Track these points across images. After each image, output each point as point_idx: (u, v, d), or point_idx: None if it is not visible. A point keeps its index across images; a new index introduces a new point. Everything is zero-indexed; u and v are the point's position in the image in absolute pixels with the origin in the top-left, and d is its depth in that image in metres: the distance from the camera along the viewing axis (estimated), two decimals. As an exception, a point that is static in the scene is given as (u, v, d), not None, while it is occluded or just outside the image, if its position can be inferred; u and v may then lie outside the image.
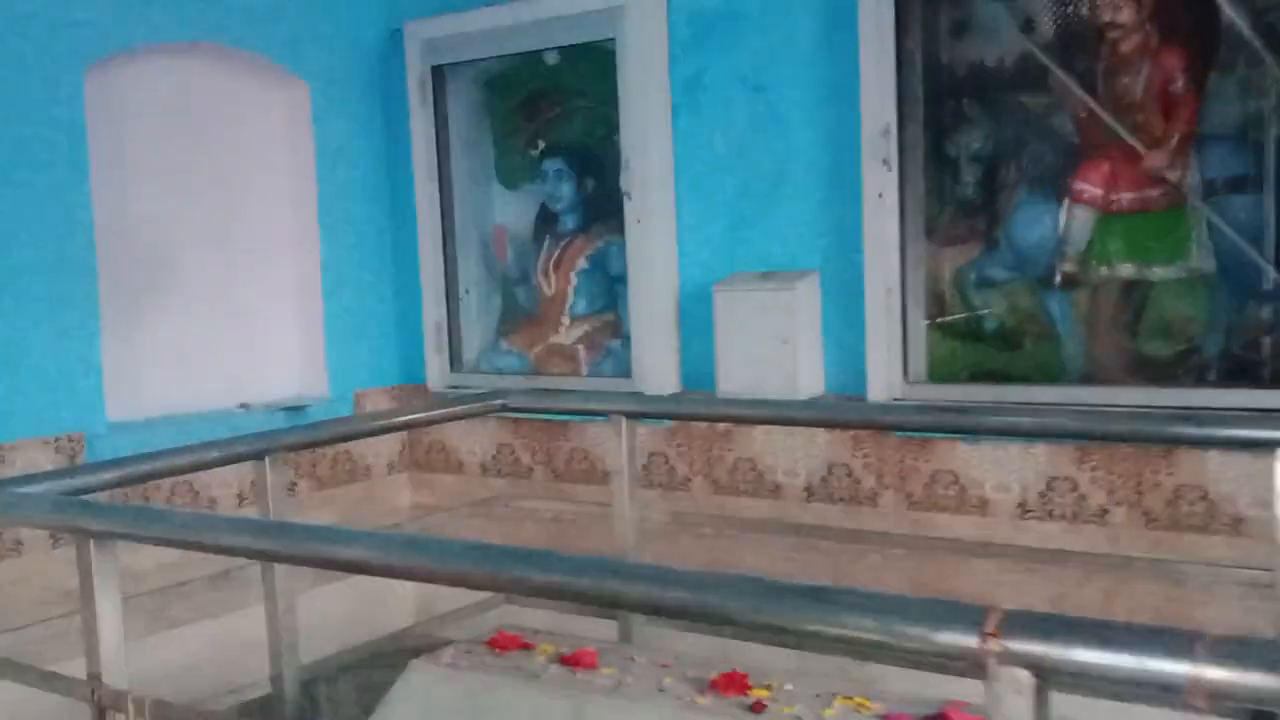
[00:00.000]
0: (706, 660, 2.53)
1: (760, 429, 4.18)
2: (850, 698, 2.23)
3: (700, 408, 3.47)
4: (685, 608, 1.37)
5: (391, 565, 1.67)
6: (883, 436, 3.96)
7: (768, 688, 2.33)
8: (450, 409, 3.19)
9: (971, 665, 1.26)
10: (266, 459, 2.76)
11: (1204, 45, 3.48)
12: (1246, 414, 2.66)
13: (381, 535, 1.91)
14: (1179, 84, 3.50)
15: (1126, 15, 3.54)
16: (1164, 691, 1.15)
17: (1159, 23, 3.52)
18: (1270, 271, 3.39)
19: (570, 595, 1.53)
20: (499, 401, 3.17)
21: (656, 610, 1.45)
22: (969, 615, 1.25)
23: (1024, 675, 1.23)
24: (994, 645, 1.23)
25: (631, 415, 3.07)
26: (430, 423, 3.91)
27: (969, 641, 1.24)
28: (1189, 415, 2.60)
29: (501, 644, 2.65)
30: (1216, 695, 1.13)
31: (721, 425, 4.24)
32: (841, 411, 3.44)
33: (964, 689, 2.37)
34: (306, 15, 4.65)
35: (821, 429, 4.05)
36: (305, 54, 4.66)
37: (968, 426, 3.09)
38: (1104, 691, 1.78)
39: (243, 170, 4.65)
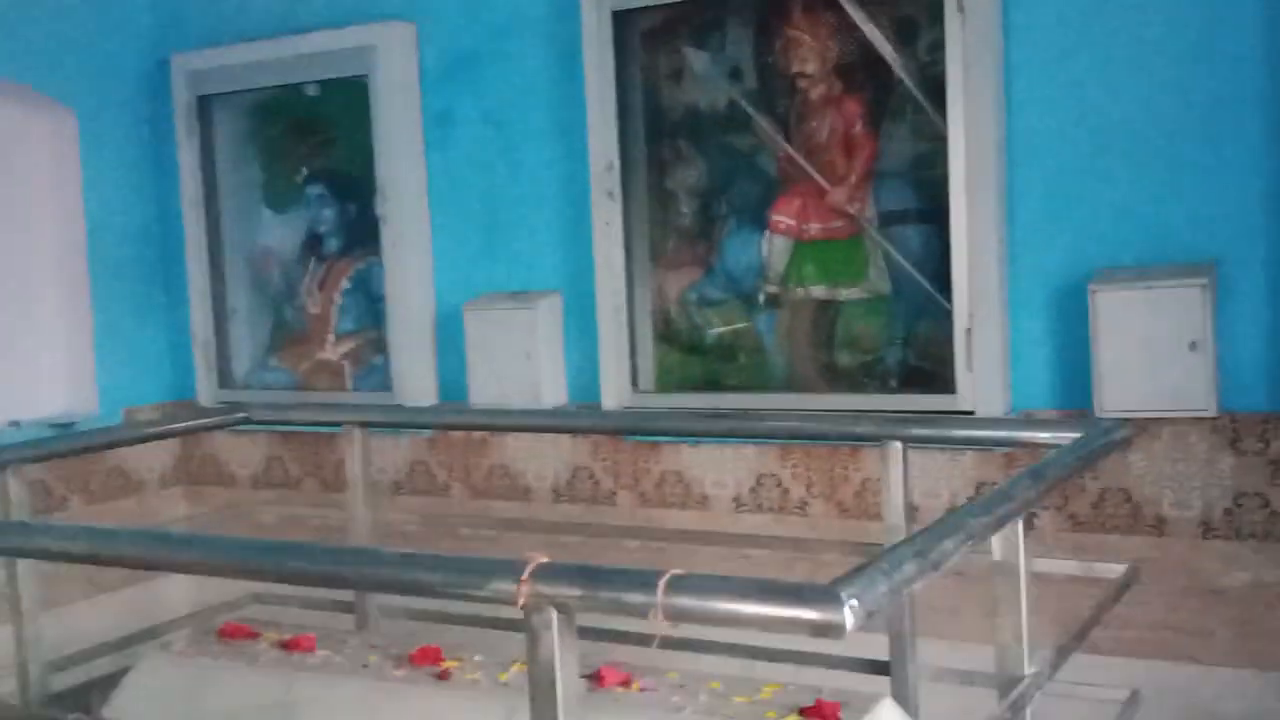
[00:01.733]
0: (413, 640, 2.86)
1: (512, 437, 4.54)
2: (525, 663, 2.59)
3: (428, 417, 3.81)
4: (304, 574, 1.70)
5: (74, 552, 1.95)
6: (619, 441, 4.36)
7: (459, 659, 2.68)
8: (188, 423, 3.45)
9: (515, 607, 1.63)
10: (9, 470, 2.97)
11: (878, 95, 3.99)
12: (873, 414, 3.14)
13: (92, 528, 2.18)
14: (858, 128, 4.00)
15: (813, 67, 4.02)
16: (639, 616, 1.54)
17: (841, 74, 4.01)
18: (935, 293, 3.90)
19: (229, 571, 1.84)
20: (241, 414, 3.43)
21: (289, 578, 1.77)
22: (511, 568, 1.62)
23: (552, 613, 1.61)
24: (527, 589, 1.60)
25: (364, 425, 3.38)
26: (167, 435, 4.14)
27: (510, 587, 1.61)
28: (822, 416, 3.07)
29: (229, 633, 2.92)
30: (672, 615, 1.52)
31: (478, 434, 4.58)
32: (556, 418, 3.81)
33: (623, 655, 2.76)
34: (73, 47, 4.82)
35: (566, 435, 4.44)
36: (72, 84, 4.82)
37: (656, 429, 3.51)
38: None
39: (9, 195, 4.78)
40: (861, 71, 3.97)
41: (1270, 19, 3.37)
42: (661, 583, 1.52)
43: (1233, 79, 3.45)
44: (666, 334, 4.32)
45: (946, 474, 3.89)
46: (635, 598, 1.54)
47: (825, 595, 1.45)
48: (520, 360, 4.35)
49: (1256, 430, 3.47)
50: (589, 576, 1.59)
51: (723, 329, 4.27)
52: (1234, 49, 3.43)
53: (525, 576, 1.60)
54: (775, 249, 4.13)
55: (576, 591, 1.58)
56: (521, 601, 1.59)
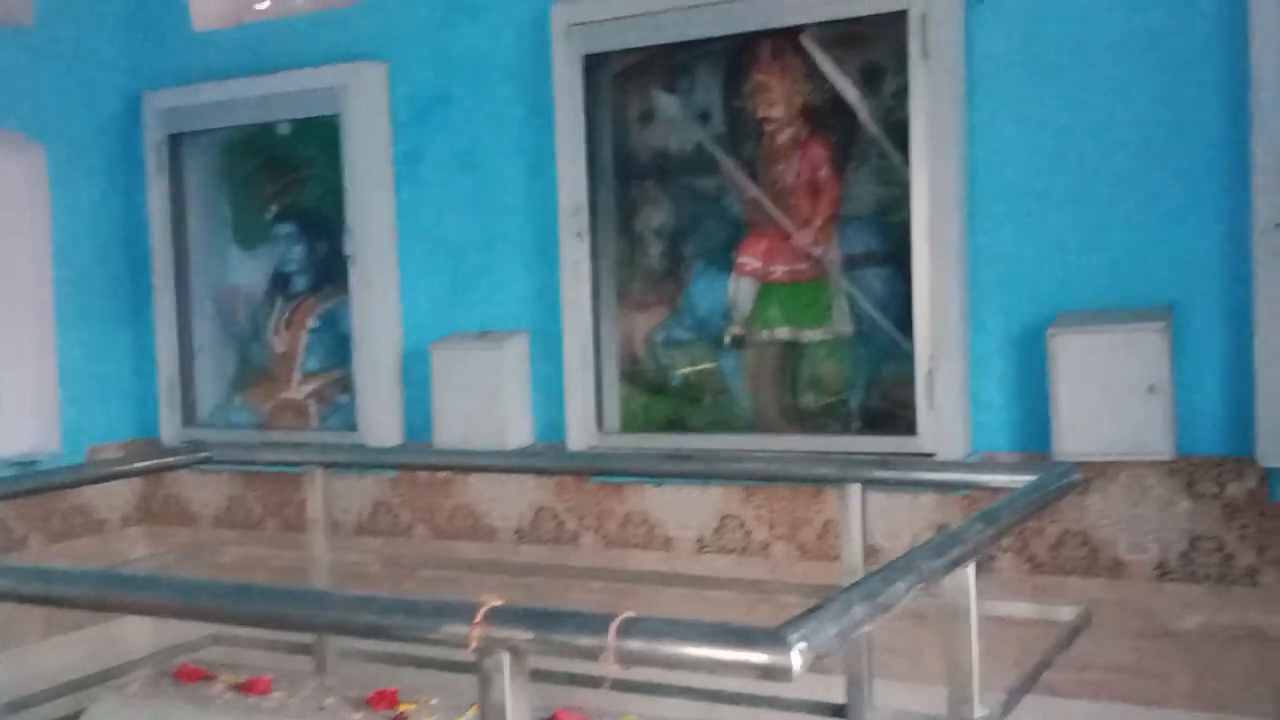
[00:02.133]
0: (371, 683, 2.84)
1: (476, 477, 4.53)
2: (482, 705, 2.58)
3: (391, 457, 3.80)
4: (253, 616, 1.70)
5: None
6: (583, 482, 4.36)
7: (415, 702, 2.67)
8: (149, 462, 3.43)
9: (468, 650, 1.63)
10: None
11: (844, 139, 4.05)
12: (834, 456, 3.16)
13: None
14: (824, 172, 4.05)
15: (779, 111, 4.08)
16: (590, 659, 1.54)
17: (807, 119, 4.07)
18: (898, 336, 3.94)
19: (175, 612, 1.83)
20: (203, 454, 3.42)
21: (238, 620, 1.76)
22: (462, 611, 1.62)
23: (504, 656, 1.61)
24: (478, 632, 1.60)
25: (327, 465, 3.38)
26: (128, 475, 4.11)
27: (461, 630, 1.61)
28: (784, 458, 3.09)
29: (185, 675, 2.90)
30: (624, 658, 1.53)
31: (441, 474, 4.57)
32: (520, 459, 3.82)
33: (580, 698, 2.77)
34: (45, 84, 4.84)
35: (530, 476, 4.44)
36: (42, 120, 4.84)
37: (618, 470, 3.52)
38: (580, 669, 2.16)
39: (-25, 230, 4.78)
40: (827, 116, 4.03)
41: (1230, 69, 3.44)
42: (613, 626, 1.53)
43: (1192, 128, 3.52)
44: (633, 375, 4.34)
45: (908, 515, 3.91)
46: (587, 641, 1.54)
47: (772, 639, 1.46)
48: (486, 400, 4.35)
49: (1213, 474, 3.52)
50: (541, 619, 1.59)
51: (688, 370, 4.30)
52: (1194, 98, 3.50)
53: (477, 620, 1.60)
54: (741, 291, 4.16)
55: (528, 635, 1.58)
56: (473, 645, 1.60)
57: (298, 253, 4.89)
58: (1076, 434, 3.48)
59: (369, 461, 4.03)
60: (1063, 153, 3.67)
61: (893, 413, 3.94)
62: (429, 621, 1.64)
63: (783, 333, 4.14)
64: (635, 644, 1.53)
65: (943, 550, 1.91)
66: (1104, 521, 3.63)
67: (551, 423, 4.39)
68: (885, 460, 3.19)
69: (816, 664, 1.50)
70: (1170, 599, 3.56)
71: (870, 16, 3.86)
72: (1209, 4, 3.47)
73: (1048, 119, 3.68)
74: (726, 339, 4.21)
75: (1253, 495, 3.47)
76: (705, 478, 3.85)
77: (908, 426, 3.81)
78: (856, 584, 1.68)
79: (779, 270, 4.11)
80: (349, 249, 4.59)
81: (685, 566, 4.20)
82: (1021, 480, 2.49)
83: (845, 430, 4.03)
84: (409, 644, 2.25)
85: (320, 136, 4.74)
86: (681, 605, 4.11)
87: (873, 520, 3.89)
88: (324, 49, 4.71)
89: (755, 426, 4.16)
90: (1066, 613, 2.62)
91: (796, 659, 1.44)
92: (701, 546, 4.21)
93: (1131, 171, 3.59)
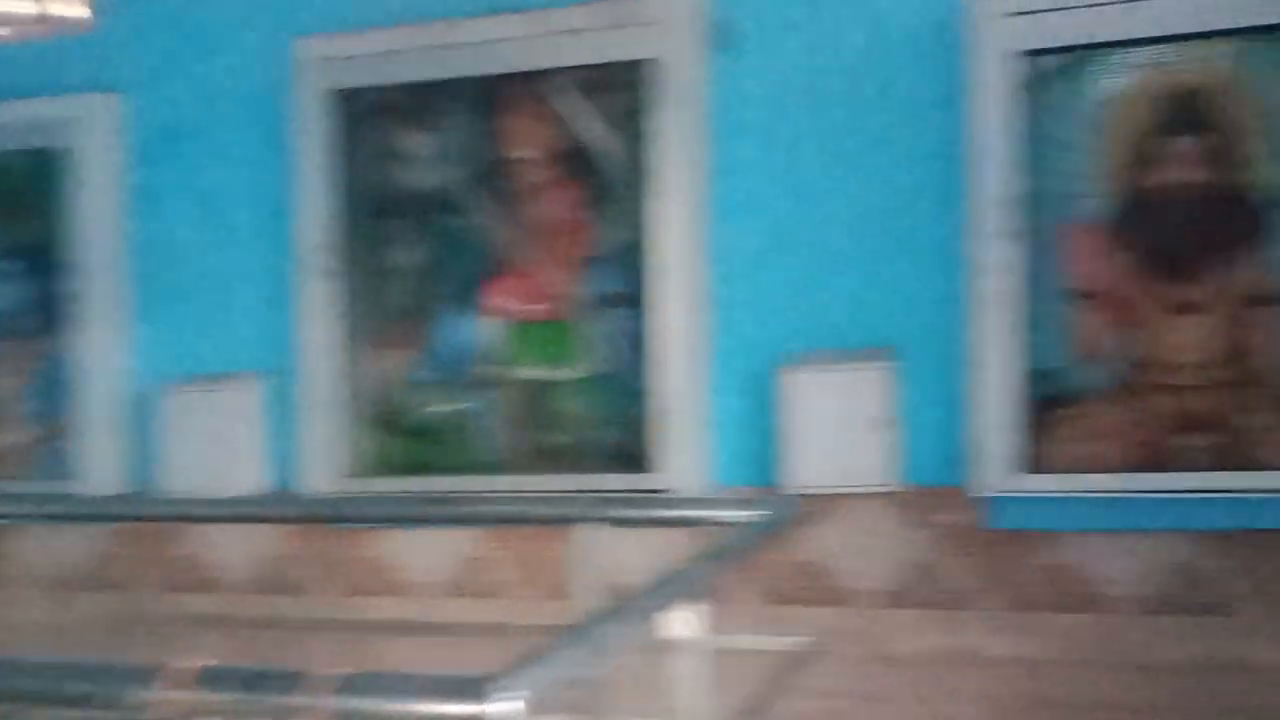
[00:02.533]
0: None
1: (206, 525, 4.31)
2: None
3: (108, 508, 3.60)
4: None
5: None
6: (321, 529, 4.23)
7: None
8: None
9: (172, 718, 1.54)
10: None
11: (593, 181, 4.10)
12: (574, 496, 3.19)
13: None
14: (573, 213, 4.09)
15: (530, 152, 4.10)
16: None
17: (558, 160, 4.10)
18: (643, 375, 4.01)
19: None
20: (-104, 508, 3.14)
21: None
22: (162, 673, 1.53)
23: (209, 720, 1.53)
24: (175, 697, 1.51)
25: (38, 517, 3.15)
26: None
27: (160, 695, 1.52)
28: (523, 498, 3.09)
29: None
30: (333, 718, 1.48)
31: (168, 523, 4.34)
32: (246, 507, 3.66)
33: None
34: None
35: (266, 524, 4.27)
36: None
37: (349, 517, 3.44)
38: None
39: None
40: (578, 159, 4.07)
41: (952, 125, 3.66)
42: (320, 683, 1.48)
43: (918, 180, 3.72)
44: (380, 416, 4.24)
45: (651, 552, 3.95)
46: (295, 700, 1.48)
47: (476, 690, 1.44)
48: (217, 445, 4.19)
49: (934, 504, 3.72)
50: (249, 679, 1.52)
51: (437, 411, 4.24)
52: (919, 152, 3.71)
53: (177, 683, 1.52)
54: (490, 330, 4.15)
55: (232, 696, 1.51)
56: (173, 712, 1.51)
57: (20, 291, 4.58)
58: (806, 468, 3.64)
59: (79, 513, 3.77)
60: (799, 200, 3.83)
61: (634, 450, 3.99)
62: (121, 687, 1.54)
63: (531, 372, 4.14)
64: (340, 701, 1.48)
65: (666, 588, 1.93)
66: (834, 551, 3.79)
67: (291, 467, 4.24)
68: (625, 498, 3.23)
69: (541, 708, 1.50)
70: (898, 625, 3.74)
71: (617, 63, 3.94)
72: (935, 64, 3.68)
73: (785, 167, 3.83)
74: (476, 379, 4.18)
75: (970, 524, 3.69)
76: (441, 522, 3.80)
77: (647, 464, 3.88)
78: (576, 628, 1.68)
79: (528, 309, 4.12)
80: (72, 287, 4.33)
81: (433, 613, 4.13)
82: (749, 515, 2.57)
83: (589, 469, 4.05)
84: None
85: (48, 170, 4.47)
86: (435, 652, 4.02)
87: (620, 557, 3.95)
88: (53, 79, 4.44)
89: (505, 467, 4.13)
90: (795, 642, 2.71)
91: (504, 710, 1.42)
92: (448, 591, 4.14)
93: (862, 220, 3.78)
